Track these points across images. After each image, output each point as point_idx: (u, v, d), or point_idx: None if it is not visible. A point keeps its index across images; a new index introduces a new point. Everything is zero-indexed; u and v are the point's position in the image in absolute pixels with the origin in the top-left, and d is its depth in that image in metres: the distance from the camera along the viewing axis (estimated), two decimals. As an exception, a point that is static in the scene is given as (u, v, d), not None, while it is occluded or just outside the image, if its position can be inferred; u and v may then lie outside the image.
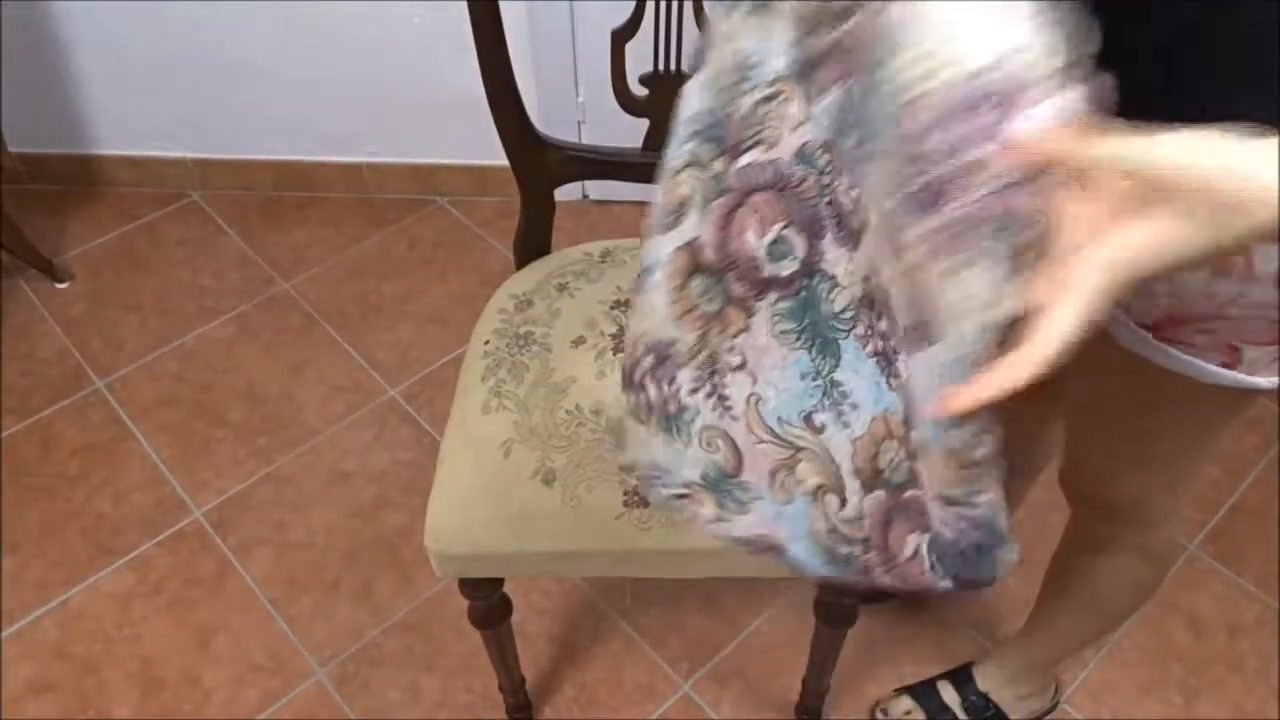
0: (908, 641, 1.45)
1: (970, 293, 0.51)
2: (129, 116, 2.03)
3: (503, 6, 1.01)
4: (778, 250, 0.69)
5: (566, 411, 0.99)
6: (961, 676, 1.36)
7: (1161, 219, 0.42)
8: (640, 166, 1.14)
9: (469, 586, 1.05)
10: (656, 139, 1.12)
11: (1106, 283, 0.43)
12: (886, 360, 0.65)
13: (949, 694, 1.35)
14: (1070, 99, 0.46)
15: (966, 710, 1.33)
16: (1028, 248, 0.48)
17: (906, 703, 1.35)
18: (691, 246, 0.72)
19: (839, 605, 1.08)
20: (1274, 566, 1.52)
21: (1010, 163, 0.45)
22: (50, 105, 2.00)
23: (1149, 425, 0.86)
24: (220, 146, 2.07)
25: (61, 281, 1.94)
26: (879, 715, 1.36)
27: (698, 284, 0.72)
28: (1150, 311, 0.75)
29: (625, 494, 0.94)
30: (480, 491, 0.95)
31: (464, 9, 1.00)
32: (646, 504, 0.94)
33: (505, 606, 1.11)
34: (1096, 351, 0.81)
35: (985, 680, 1.34)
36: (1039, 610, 1.21)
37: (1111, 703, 1.39)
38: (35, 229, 1.96)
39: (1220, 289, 0.70)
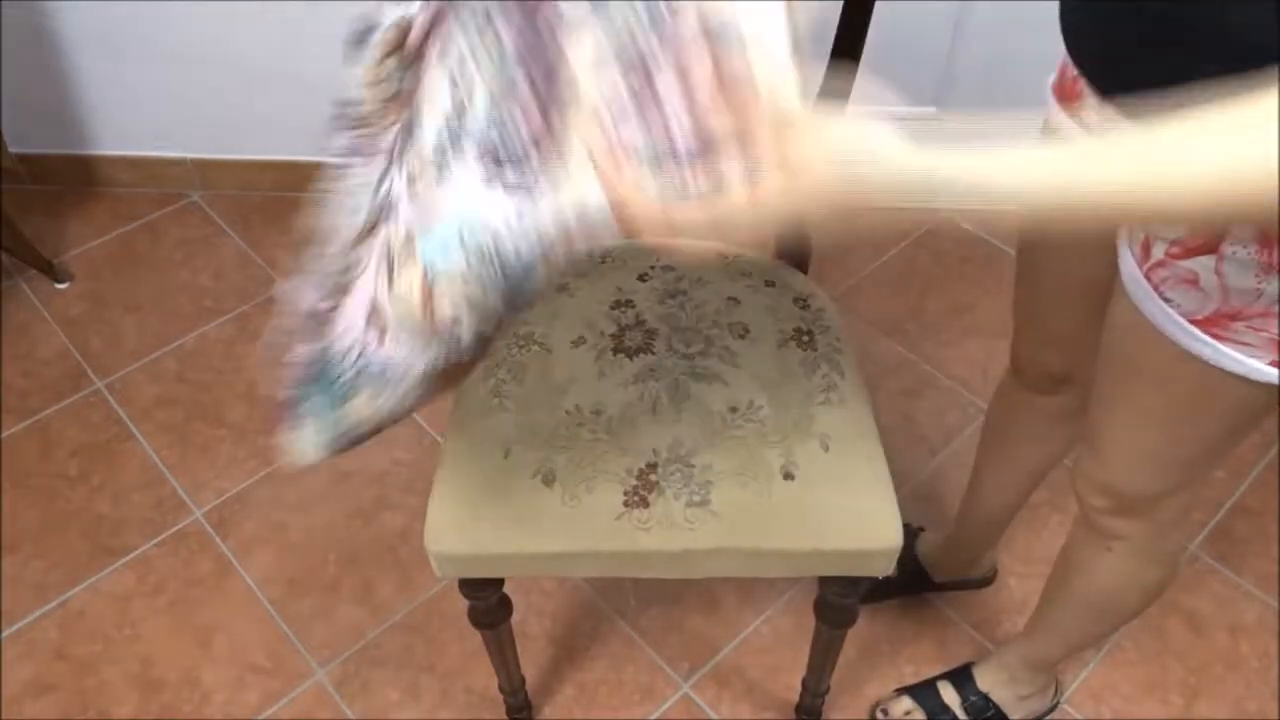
0: (908, 641, 1.45)
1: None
2: (129, 116, 2.03)
3: (503, 6, 1.01)
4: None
5: (566, 411, 0.99)
6: (962, 676, 1.35)
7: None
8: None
9: (469, 587, 1.05)
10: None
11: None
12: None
13: (949, 694, 1.35)
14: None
15: (967, 710, 1.33)
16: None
17: (907, 703, 1.35)
18: (400, 25, 0.74)
19: (839, 605, 1.08)
20: (1274, 566, 1.53)
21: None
22: (50, 105, 2.00)
23: (1183, 421, 0.85)
24: (220, 146, 2.07)
25: (61, 282, 1.94)
26: (879, 715, 1.36)
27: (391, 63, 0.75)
28: (1200, 307, 0.74)
29: (625, 494, 0.94)
30: (480, 492, 0.95)
31: (464, 9, 1.00)
32: (647, 504, 0.94)
33: (505, 607, 1.11)
34: (1136, 341, 0.81)
35: (985, 680, 1.34)
36: (1041, 609, 1.21)
37: (1112, 703, 1.39)
38: (35, 229, 1.96)
39: (1269, 287, 0.69)
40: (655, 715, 1.38)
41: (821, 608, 1.11)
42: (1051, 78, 0.88)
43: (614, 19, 0.57)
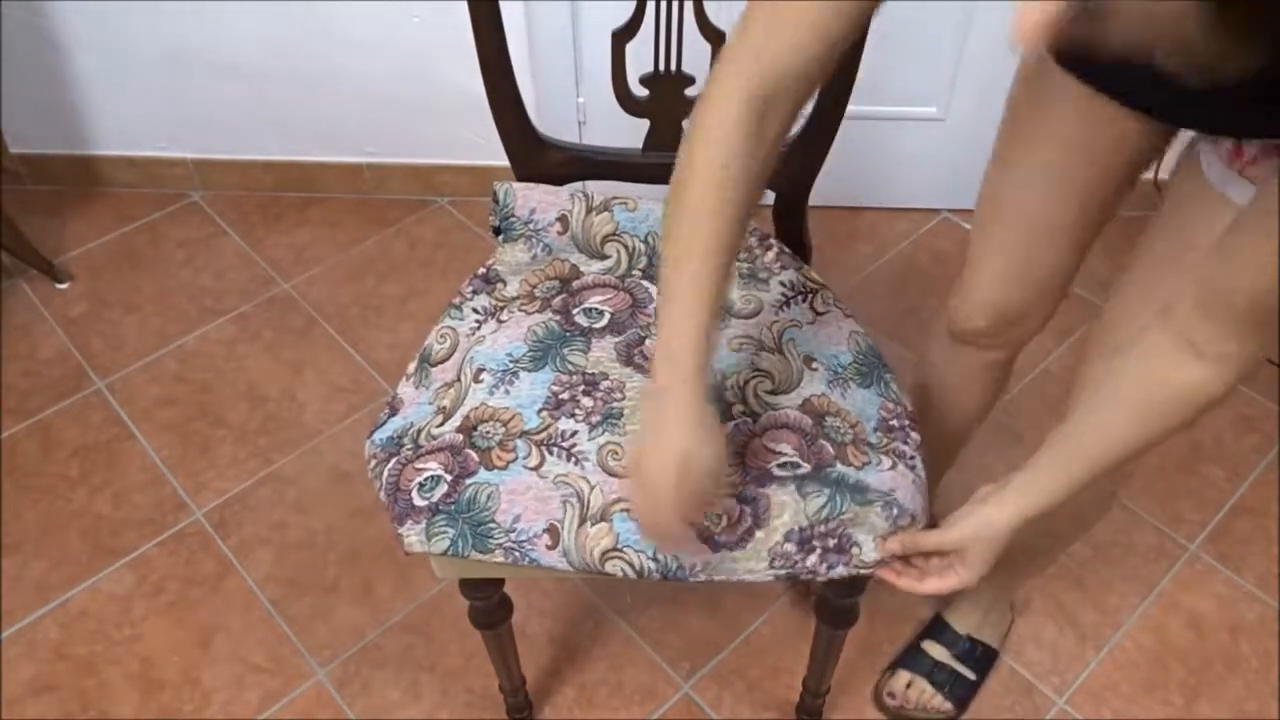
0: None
1: None
2: (129, 116, 2.03)
3: (503, 7, 1.01)
4: None
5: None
6: (938, 629, 1.40)
7: None
8: (640, 167, 1.14)
9: (469, 587, 1.05)
10: (657, 139, 1.12)
11: None
12: None
13: (936, 650, 1.39)
14: None
15: (959, 658, 1.37)
16: None
17: (904, 675, 1.37)
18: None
19: (839, 605, 1.08)
20: (1274, 566, 1.52)
21: None
22: (50, 105, 2.00)
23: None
24: (220, 146, 2.07)
25: (62, 282, 1.94)
26: (887, 700, 1.37)
27: None
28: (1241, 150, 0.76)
29: (626, 494, 0.94)
30: (481, 492, 0.95)
31: (464, 9, 1.00)
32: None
33: (505, 607, 1.11)
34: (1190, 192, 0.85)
35: (963, 623, 1.39)
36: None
37: (1112, 703, 1.39)
38: (35, 230, 1.96)
39: None
40: (655, 715, 1.38)
41: (821, 608, 1.11)
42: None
43: None
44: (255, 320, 1.88)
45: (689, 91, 1.07)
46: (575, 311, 1.02)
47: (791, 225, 1.17)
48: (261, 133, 2.03)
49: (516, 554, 0.89)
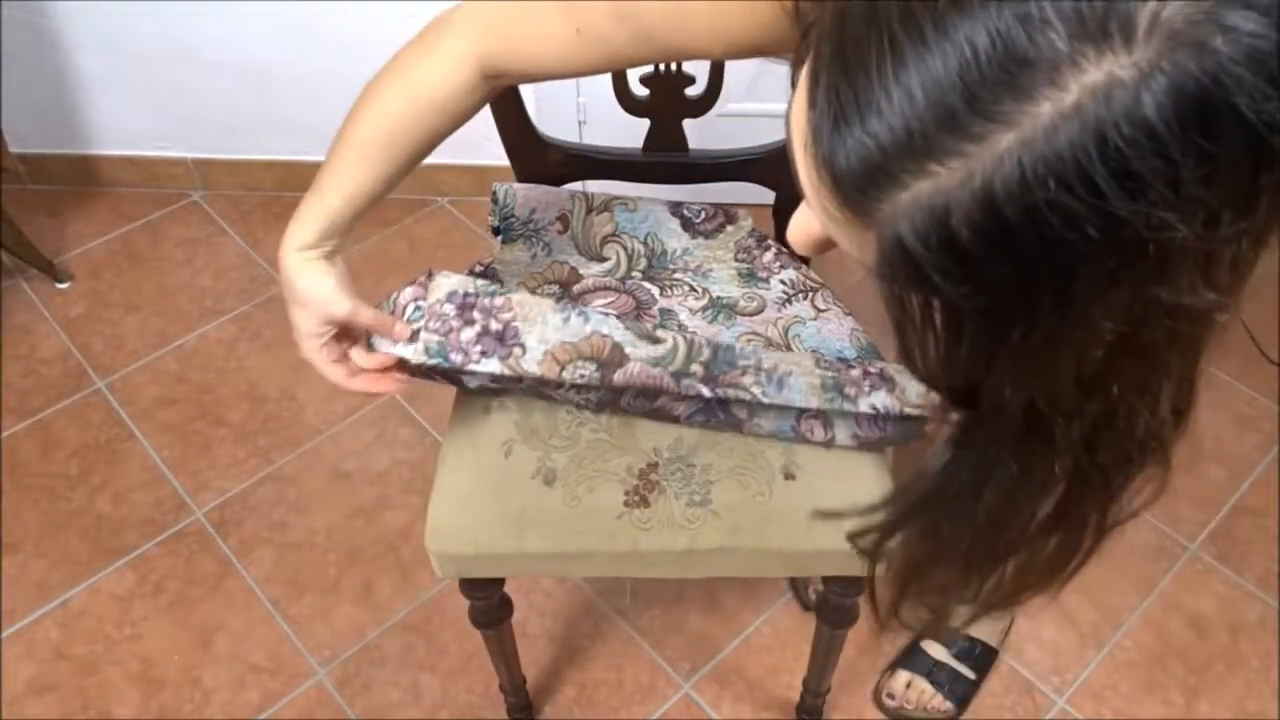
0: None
1: None
2: (129, 116, 2.02)
3: (503, 6, 1.01)
4: None
5: (567, 411, 0.99)
6: None
7: None
8: (640, 166, 1.14)
9: (470, 587, 1.05)
10: (657, 139, 1.12)
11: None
12: None
13: (936, 650, 1.39)
14: None
15: (959, 658, 1.37)
16: None
17: (903, 675, 1.37)
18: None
19: (840, 605, 1.08)
20: (1275, 566, 1.52)
21: None
22: (50, 105, 2.00)
23: None
24: (220, 146, 2.07)
25: (62, 282, 1.94)
26: (888, 701, 1.37)
27: None
28: None
29: (626, 494, 0.94)
30: (481, 491, 0.95)
31: (464, 9, 1.00)
32: (647, 504, 0.94)
33: (506, 607, 1.11)
34: None
35: (959, 620, 1.37)
36: None
37: (1112, 703, 1.39)
38: (35, 229, 1.96)
39: None
40: (656, 715, 1.38)
41: (822, 608, 1.11)
42: None
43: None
44: (255, 320, 1.88)
45: (689, 91, 1.07)
46: None
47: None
48: (261, 133, 2.03)
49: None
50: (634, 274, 1.07)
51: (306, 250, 0.82)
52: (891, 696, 1.37)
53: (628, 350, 0.88)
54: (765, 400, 0.90)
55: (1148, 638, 1.45)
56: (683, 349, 0.89)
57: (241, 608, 1.49)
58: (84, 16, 1.86)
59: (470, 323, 0.86)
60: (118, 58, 1.92)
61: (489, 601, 1.08)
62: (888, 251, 0.37)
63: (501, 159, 1.14)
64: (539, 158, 1.13)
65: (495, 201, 1.11)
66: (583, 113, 1.92)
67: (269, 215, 2.09)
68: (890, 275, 0.38)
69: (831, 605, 1.09)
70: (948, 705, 1.35)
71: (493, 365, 0.85)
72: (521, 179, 1.14)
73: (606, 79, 1.07)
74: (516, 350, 0.86)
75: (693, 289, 1.04)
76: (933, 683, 1.36)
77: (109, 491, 1.62)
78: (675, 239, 1.09)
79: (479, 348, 0.86)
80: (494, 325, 0.86)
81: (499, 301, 0.87)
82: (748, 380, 0.90)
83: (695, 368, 0.89)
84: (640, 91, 1.08)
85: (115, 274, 1.97)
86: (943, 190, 0.34)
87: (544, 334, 0.87)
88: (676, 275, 1.06)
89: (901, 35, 0.34)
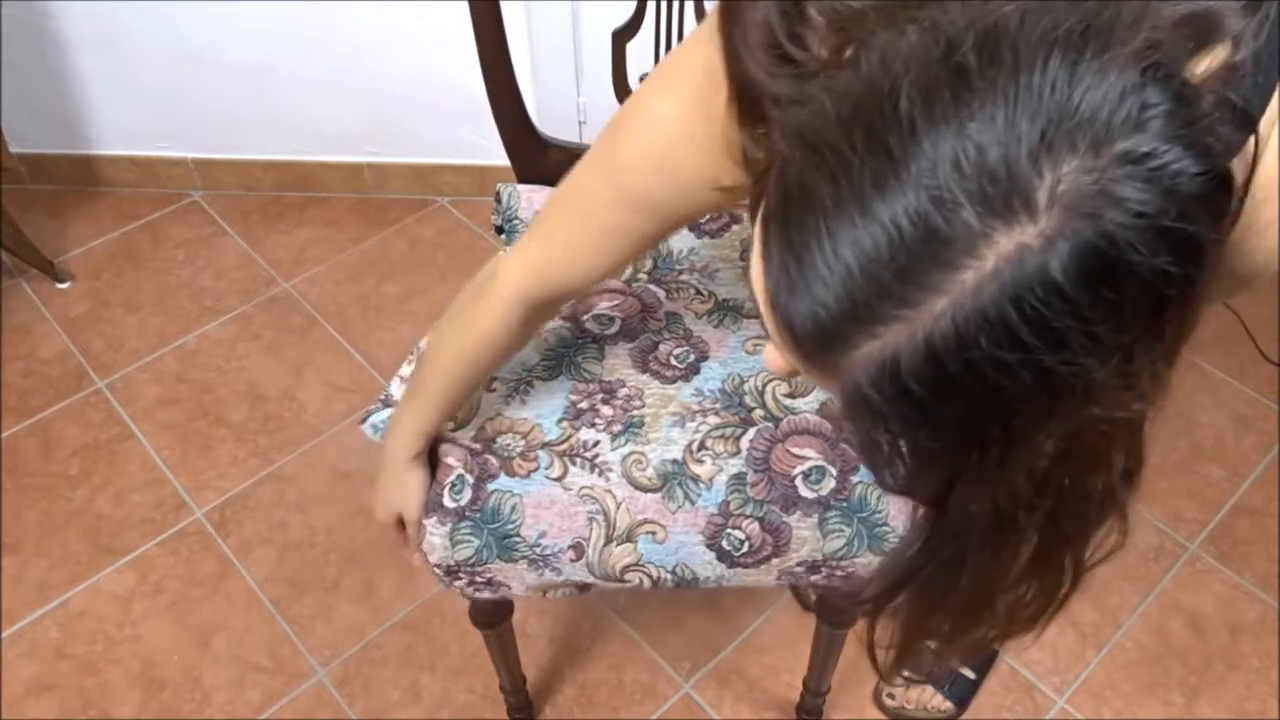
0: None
1: None
2: (129, 116, 2.03)
3: (503, 6, 1.01)
4: None
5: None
6: None
7: None
8: (641, 166, 1.13)
9: (470, 587, 1.05)
10: (657, 139, 1.12)
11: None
12: None
13: None
14: None
15: None
16: None
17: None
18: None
19: (840, 605, 1.08)
20: (1275, 566, 1.52)
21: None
22: (50, 105, 2.00)
23: None
24: (220, 146, 2.07)
25: (62, 282, 1.94)
26: (887, 700, 1.37)
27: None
28: None
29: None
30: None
31: (464, 9, 1.00)
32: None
33: (506, 607, 1.11)
34: None
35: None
36: None
37: (1113, 703, 1.39)
38: (36, 229, 1.96)
39: None
40: (656, 715, 1.38)
41: (822, 608, 1.11)
42: None
43: None
44: (255, 320, 1.88)
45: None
46: (585, 318, 1.02)
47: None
48: (261, 132, 2.03)
49: (540, 565, 0.91)
50: (640, 275, 1.07)
51: (414, 456, 0.91)
52: (892, 696, 1.37)
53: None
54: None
55: (1148, 638, 1.45)
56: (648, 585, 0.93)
57: (241, 607, 1.49)
58: (84, 16, 1.86)
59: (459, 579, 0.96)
60: (118, 58, 1.92)
61: (489, 602, 1.08)
62: (850, 398, 0.41)
63: (501, 159, 1.14)
64: (539, 158, 1.13)
65: (499, 202, 1.11)
66: (583, 113, 1.92)
67: (269, 215, 2.09)
68: (855, 418, 0.42)
69: (831, 605, 1.09)
70: (948, 705, 1.35)
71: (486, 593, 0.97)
72: (521, 179, 1.14)
73: (606, 79, 1.07)
74: (504, 590, 0.96)
75: (699, 292, 1.04)
76: (933, 682, 1.36)
77: (109, 491, 1.62)
78: (681, 239, 1.09)
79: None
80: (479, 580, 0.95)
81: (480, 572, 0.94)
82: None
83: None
84: (640, 91, 1.08)
85: (115, 274, 1.97)
86: (890, 347, 0.38)
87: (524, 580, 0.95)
88: (683, 277, 1.06)
89: (835, 215, 0.38)
